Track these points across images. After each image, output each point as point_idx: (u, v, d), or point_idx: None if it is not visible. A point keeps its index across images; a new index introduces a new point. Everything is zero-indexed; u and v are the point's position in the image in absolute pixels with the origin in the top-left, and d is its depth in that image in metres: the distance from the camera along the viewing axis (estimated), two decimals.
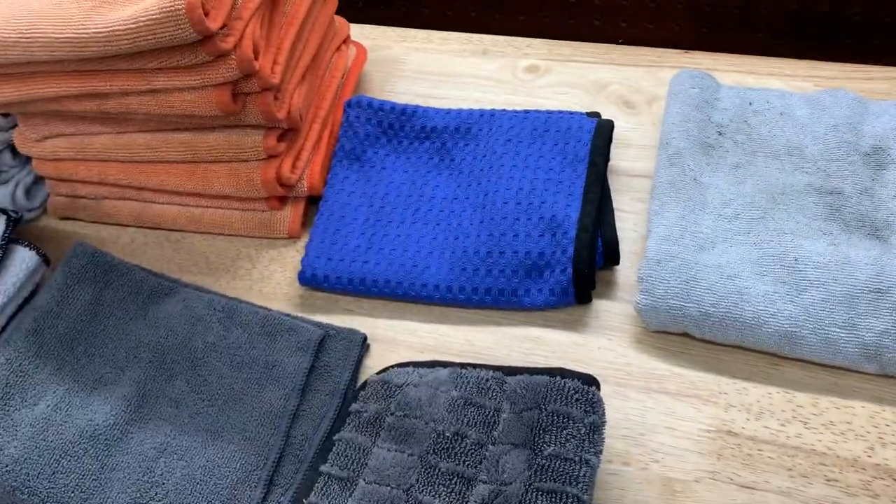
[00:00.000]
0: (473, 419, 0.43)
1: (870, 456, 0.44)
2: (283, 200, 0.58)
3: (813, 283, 0.47)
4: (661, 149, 0.55)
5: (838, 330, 0.45)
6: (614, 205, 0.55)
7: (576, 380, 0.43)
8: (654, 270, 0.48)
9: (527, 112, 0.59)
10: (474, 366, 0.46)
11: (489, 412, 0.43)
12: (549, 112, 0.59)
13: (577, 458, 0.40)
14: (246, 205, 0.57)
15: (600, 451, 0.41)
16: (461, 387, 0.45)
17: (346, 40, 0.65)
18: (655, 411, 0.47)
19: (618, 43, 0.75)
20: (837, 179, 0.51)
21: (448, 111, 0.60)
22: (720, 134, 0.55)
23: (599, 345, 0.50)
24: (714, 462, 0.44)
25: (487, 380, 0.45)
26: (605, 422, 0.42)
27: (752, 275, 0.47)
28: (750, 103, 0.56)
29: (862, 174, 0.51)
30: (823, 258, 0.47)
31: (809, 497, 0.43)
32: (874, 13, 0.67)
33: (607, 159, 0.56)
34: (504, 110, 0.60)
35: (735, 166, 0.53)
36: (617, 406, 0.47)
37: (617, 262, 0.52)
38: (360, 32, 0.69)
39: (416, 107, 0.61)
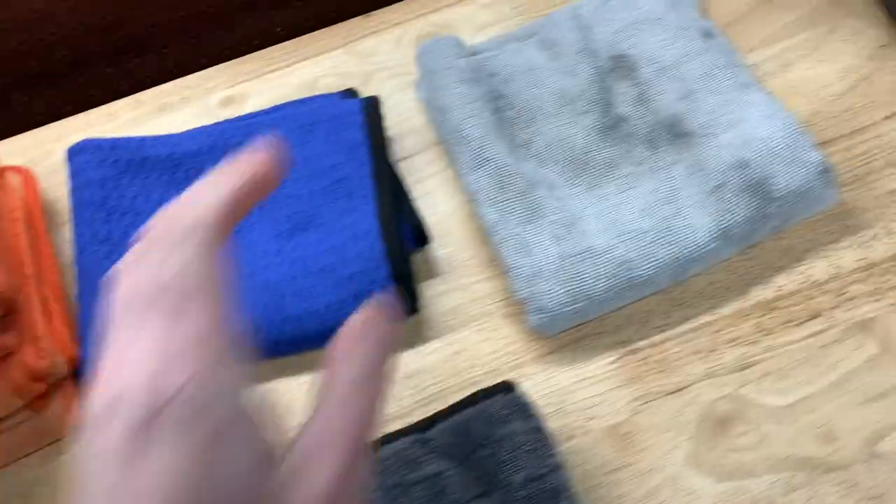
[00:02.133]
0: (422, 500, 0.38)
1: (746, 300, 0.46)
2: (44, 396, 0.45)
3: (667, 216, 0.45)
4: (458, 143, 0.49)
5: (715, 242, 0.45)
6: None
7: (497, 395, 0.39)
8: (532, 286, 0.44)
9: (284, 107, 0.52)
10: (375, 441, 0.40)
11: (432, 482, 0.38)
12: (304, 101, 0.53)
13: (548, 469, 0.37)
14: (4, 425, 0.44)
15: (556, 448, 0.38)
16: (384, 474, 0.39)
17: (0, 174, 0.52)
18: (561, 372, 0.45)
19: (279, 32, 0.69)
20: (611, 107, 0.50)
21: (194, 131, 0.51)
22: (503, 109, 0.50)
23: (474, 341, 0.47)
24: (639, 387, 0.44)
25: (406, 448, 0.40)
26: (541, 416, 0.39)
27: (618, 240, 0.45)
28: (491, 75, 0.52)
29: (625, 89, 0.50)
30: (657, 191, 0.46)
31: (727, 363, 0.44)
32: None
33: (384, 139, 0.51)
34: (260, 112, 0.52)
35: (526, 144, 0.50)
36: (525, 390, 0.44)
37: (426, 242, 0.48)
38: (9, 149, 0.56)
39: (157, 136, 0.51)
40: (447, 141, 0.50)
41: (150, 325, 0.23)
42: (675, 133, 0.48)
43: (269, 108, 0.53)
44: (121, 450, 0.21)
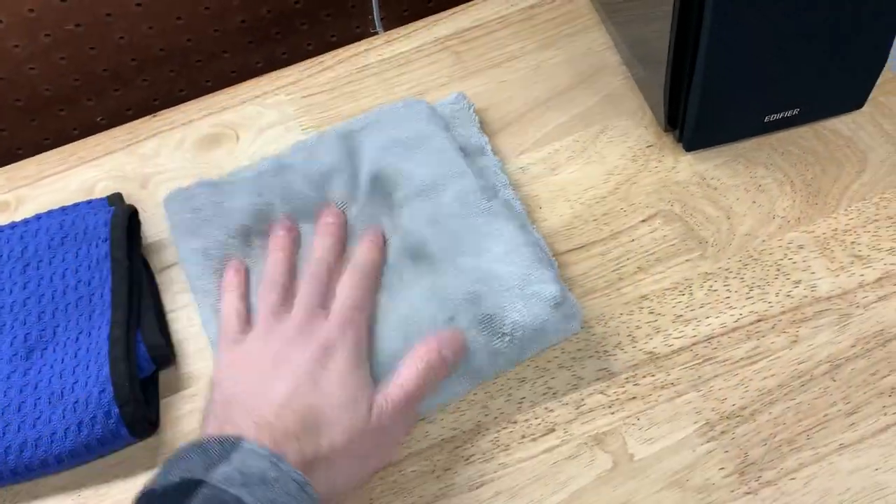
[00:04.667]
0: None
1: (487, 414, 0.46)
2: None
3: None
4: (194, 293, 0.49)
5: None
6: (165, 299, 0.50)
7: None
8: None
9: (39, 218, 0.51)
10: None
11: None
12: (66, 209, 0.51)
13: None
14: None
15: None
16: None
17: None
18: None
19: (99, 122, 0.69)
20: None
21: None
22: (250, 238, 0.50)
23: None
24: None
25: None
26: None
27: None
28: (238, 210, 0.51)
29: (373, 209, 0.51)
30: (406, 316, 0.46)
31: (459, 483, 0.43)
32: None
33: (133, 250, 0.50)
34: (20, 223, 0.51)
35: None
36: None
37: (169, 363, 0.48)
38: None
39: None
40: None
41: None
42: (418, 256, 0.48)
43: (29, 218, 0.52)
44: None
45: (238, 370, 0.43)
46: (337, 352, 0.42)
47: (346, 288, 0.46)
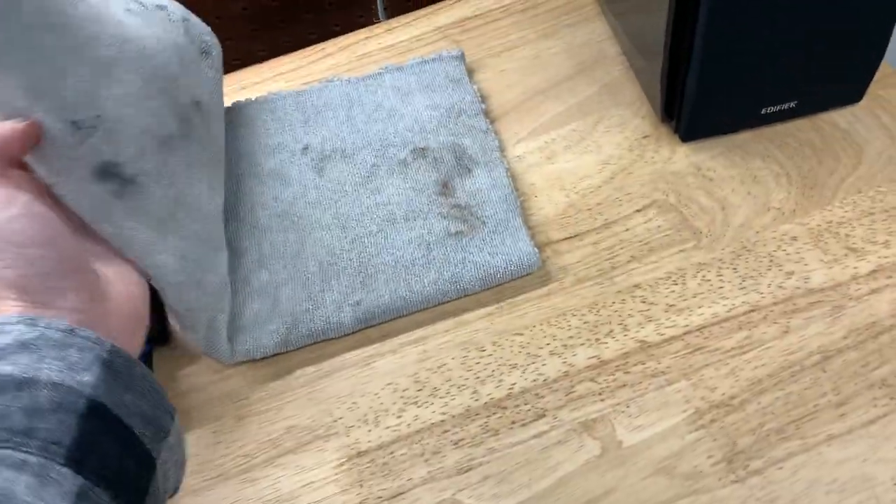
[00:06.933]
0: None
1: (477, 399, 0.46)
2: None
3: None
4: None
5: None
6: None
7: None
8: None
9: None
10: None
11: None
12: None
13: None
14: None
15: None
16: None
17: None
18: (287, 478, 0.44)
19: None
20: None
21: None
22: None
23: (205, 444, 0.46)
24: (359, 491, 0.43)
25: None
26: None
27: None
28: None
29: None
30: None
31: (448, 467, 0.44)
32: None
33: None
34: None
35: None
36: (249, 497, 0.44)
37: (165, 343, 0.49)
38: None
39: None
40: None
41: None
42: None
43: None
44: None
45: None
46: None
47: None
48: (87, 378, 0.29)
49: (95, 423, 0.28)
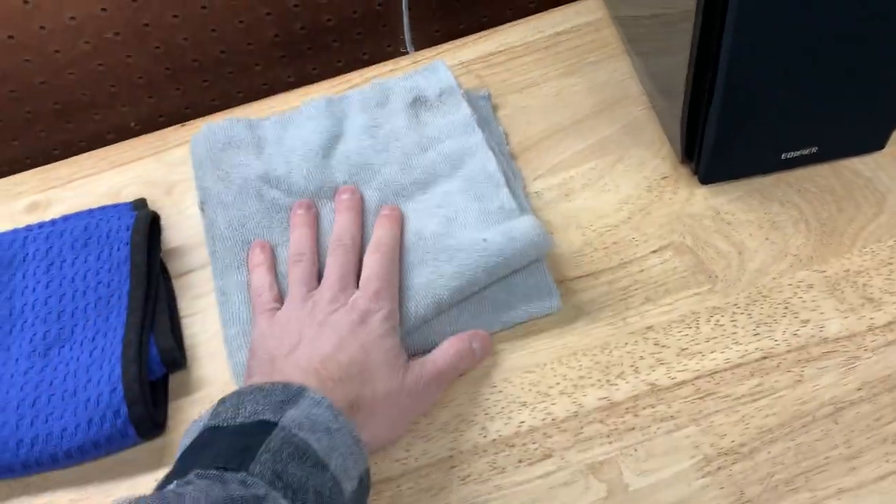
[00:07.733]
0: None
1: (485, 436, 0.46)
2: None
3: None
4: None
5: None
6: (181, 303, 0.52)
7: None
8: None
9: (66, 220, 0.53)
10: None
11: None
12: (91, 212, 0.54)
13: None
14: None
15: None
16: None
17: None
18: None
19: (133, 127, 0.71)
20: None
21: None
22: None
23: None
24: None
25: None
26: None
27: None
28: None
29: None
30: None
31: (454, 503, 0.44)
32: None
33: (153, 255, 0.52)
34: (47, 223, 0.54)
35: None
36: None
37: (181, 366, 0.49)
38: None
39: None
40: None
41: None
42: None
43: (56, 219, 0.54)
44: None
45: (280, 331, 0.46)
46: (373, 318, 0.46)
47: (372, 262, 0.49)
48: (348, 487, 0.37)
49: None
